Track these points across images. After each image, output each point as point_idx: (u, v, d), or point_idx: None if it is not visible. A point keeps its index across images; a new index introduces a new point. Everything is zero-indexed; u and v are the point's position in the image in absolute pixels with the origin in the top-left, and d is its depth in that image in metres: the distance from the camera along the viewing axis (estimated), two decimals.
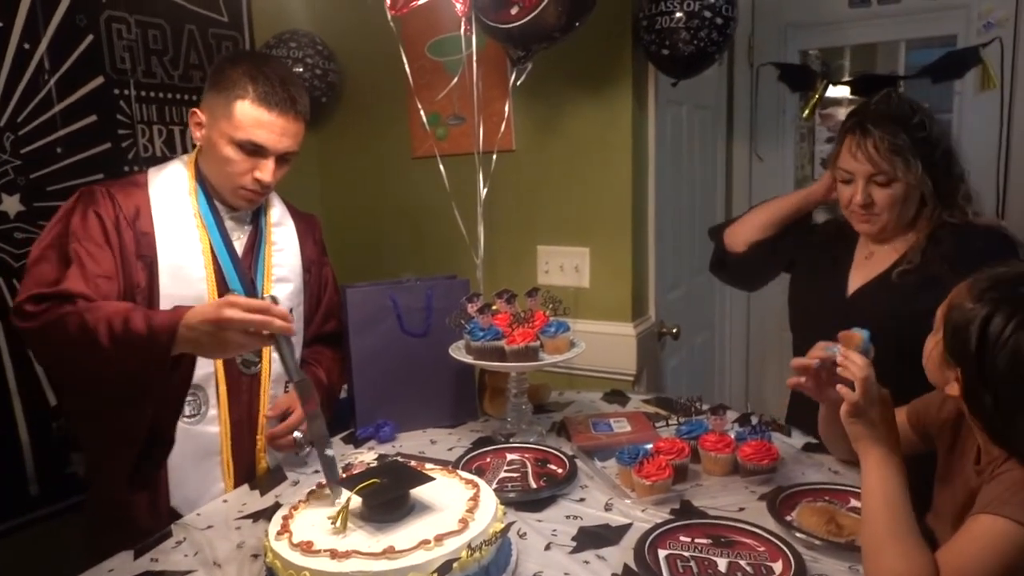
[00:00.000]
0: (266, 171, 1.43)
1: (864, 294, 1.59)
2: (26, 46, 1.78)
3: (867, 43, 3.07)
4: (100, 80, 1.95)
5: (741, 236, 1.86)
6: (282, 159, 1.46)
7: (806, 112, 2.90)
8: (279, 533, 1.07)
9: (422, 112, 2.13)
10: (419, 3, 1.80)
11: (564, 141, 2.22)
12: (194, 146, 1.52)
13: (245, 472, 1.53)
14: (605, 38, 2.09)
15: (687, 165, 2.69)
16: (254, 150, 1.41)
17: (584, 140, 2.19)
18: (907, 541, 0.98)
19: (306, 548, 1.02)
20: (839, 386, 1.10)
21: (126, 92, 2.01)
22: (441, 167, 2.03)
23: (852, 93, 2.93)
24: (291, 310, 1.55)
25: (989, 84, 2.55)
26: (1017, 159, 2.66)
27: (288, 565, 1.00)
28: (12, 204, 1.78)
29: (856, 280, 1.63)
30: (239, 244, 1.52)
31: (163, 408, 1.33)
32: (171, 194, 1.46)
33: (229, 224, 1.51)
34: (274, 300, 1.23)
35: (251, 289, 1.50)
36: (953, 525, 1.04)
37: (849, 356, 1.12)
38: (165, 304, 1.38)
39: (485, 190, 1.97)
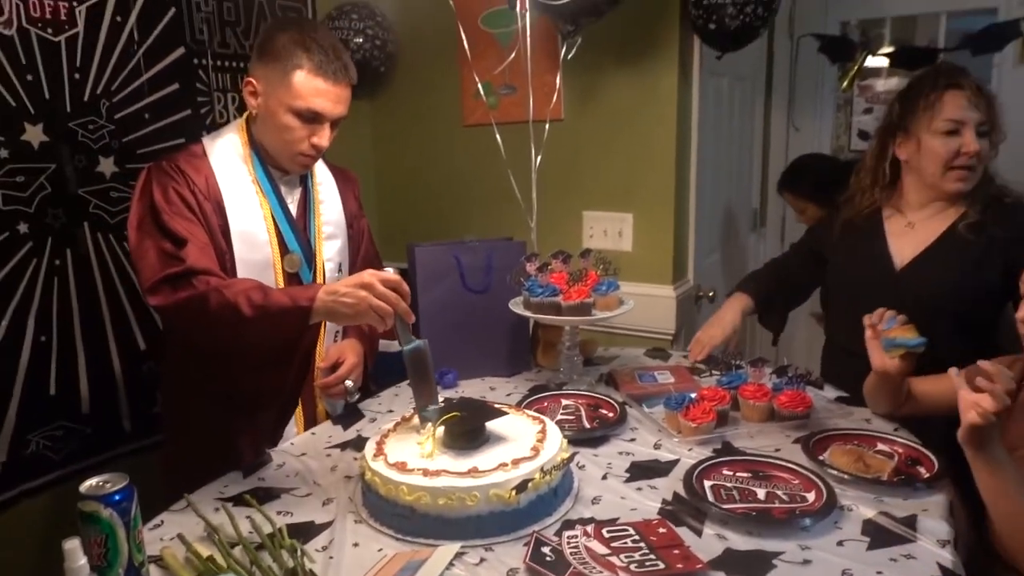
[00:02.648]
0: (323, 137, 1.51)
1: (918, 265, 1.65)
2: (118, 19, 1.92)
3: (908, 15, 3.11)
4: (181, 51, 2.09)
5: None
6: (334, 123, 1.54)
7: (845, 83, 2.97)
8: (375, 455, 1.24)
9: (479, 82, 2.25)
10: None
11: (610, 111, 2.32)
12: (239, 113, 1.60)
13: (311, 416, 1.68)
14: (653, 12, 2.18)
15: (726, 135, 2.78)
16: (312, 117, 1.48)
17: (630, 110, 2.29)
18: None
19: (401, 467, 1.18)
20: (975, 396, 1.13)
21: (204, 62, 2.15)
22: (498, 135, 2.16)
23: (892, 65, 3.00)
24: (339, 266, 1.69)
25: None
26: None
27: (387, 481, 1.17)
28: (108, 165, 1.94)
29: (904, 252, 1.69)
30: (292, 206, 1.62)
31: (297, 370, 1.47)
32: (230, 162, 1.54)
33: (283, 188, 1.60)
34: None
35: (307, 249, 1.62)
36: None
37: (996, 376, 1.12)
38: (242, 270, 1.49)
39: (539, 158, 2.09)
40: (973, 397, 1.12)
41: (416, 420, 1.36)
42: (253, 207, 1.54)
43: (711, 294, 2.52)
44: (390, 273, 1.30)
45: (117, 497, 0.97)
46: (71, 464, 1.91)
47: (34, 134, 1.78)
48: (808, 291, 2.03)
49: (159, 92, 2.04)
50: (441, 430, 1.26)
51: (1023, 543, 1.15)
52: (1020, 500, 1.14)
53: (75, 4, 1.82)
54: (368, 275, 1.29)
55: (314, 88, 1.46)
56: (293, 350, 1.34)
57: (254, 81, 1.50)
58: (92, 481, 0.98)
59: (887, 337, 1.41)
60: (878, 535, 1.13)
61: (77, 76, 1.85)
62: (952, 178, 1.61)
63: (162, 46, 2.04)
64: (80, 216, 1.89)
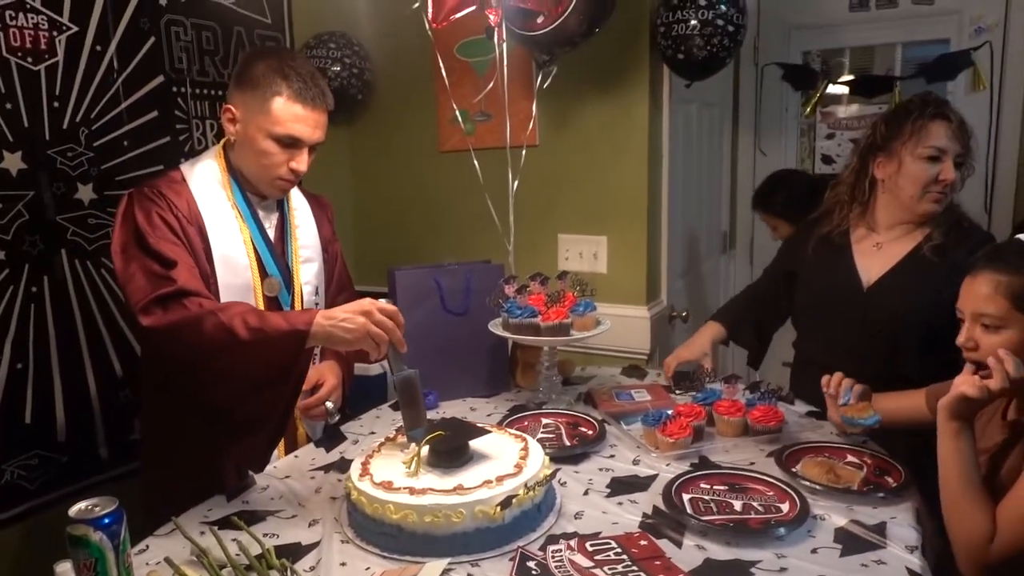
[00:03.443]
0: (302, 161, 1.54)
1: (883, 284, 1.73)
2: (98, 48, 1.95)
3: (866, 45, 3.24)
4: (160, 79, 2.11)
5: None
6: (311, 148, 1.57)
7: (808, 109, 3.09)
8: (361, 475, 1.25)
9: (456, 109, 2.30)
10: (457, 16, 1.96)
11: (584, 137, 2.39)
12: (218, 140, 1.62)
13: (291, 439, 1.69)
14: (624, 43, 2.26)
15: (695, 159, 2.87)
16: (291, 143, 1.50)
17: (603, 136, 2.36)
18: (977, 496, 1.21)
19: (387, 486, 1.20)
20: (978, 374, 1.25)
21: (183, 90, 2.18)
22: (475, 161, 2.21)
23: (851, 93, 3.12)
24: (316, 289, 1.71)
25: (979, 86, 2.73)
26: (1005, 156, 2.85)
27: (374, 500, 1.18)
28: (86, 192, 1.95)
29: (870, 272, 1.76)
30: (270, 231, 1.64)
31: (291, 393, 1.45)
32: (209, 188, 1.55)
33: (261, 213, 1.62)
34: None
35: (286, 272, 1.64)
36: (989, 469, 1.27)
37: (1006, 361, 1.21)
38: (224, 294, 1.51)
39: (516, 183, 2.14)
40: (973, 378, 1.22)
41: (400, 439, 1.38)
42: (233, 232, 1.56)
43: (684, 314, 2.58)
44: (386, 303, 1.35)
45: (107, 520, 0.97)
46: (46, 493, 1.89)
47: (12, 161, 1.79)
48: (785, 310, 2.06)
49: (138, 120, 2.06)
50: (426, 449, 1.28)
51: (959, 527, 1.23)
52: (967, 483, 1.22)
53: (55, 34, 1.84)
54: (367, 303, 1.33)
55: (293, 114, 1.49)
56: (288, 373, 1.34)
57: (233, 108, 1.52)
58: (82, 504, 0.99)
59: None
60: (850, 542, 1.17)
61: (56, 104, 1.86)
62: (928, 200, 1.69)
63: (141, 74, 2.06)
64: (57, 243, 1.89)
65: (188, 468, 1.51)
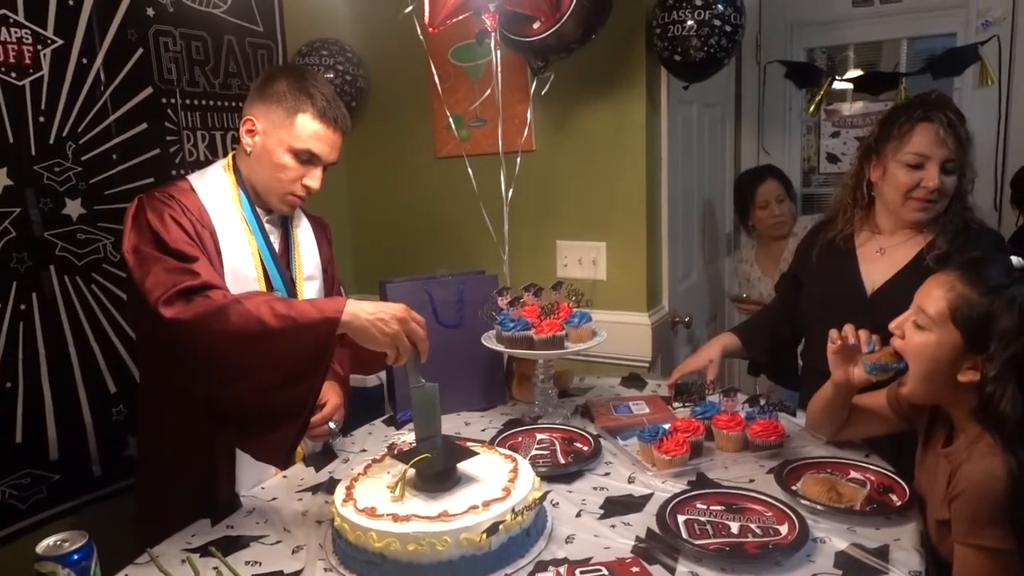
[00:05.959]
0: (316, 179, 1.55)
1: (888, 290, 1.66)
2: (84, 61, 1.92)
3: (870, 41, 3.18)
4: (149, 91, 2.08)
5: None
6: (324, 168, 1.58)
7: (812, 108, 3.02)
8: (344, 500, 1.22)
9: (449, 115, 2.27)
10: (454, 21, 1.92)
11: (581, 142, 2.35)
12: (226, 153, 1.60)
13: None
14: (620, 46, 2.21)
15: (697, 161, 2.81)
16: (308, 159, 1.52)
17: (600, 141, 2.31)
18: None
19: (370, 513, 1.17)
20: None
21: (173, 101, 2.15)
22: (469, 168, 2.17)
23: (856, 90, 3.06)
24: None
25: (987, 80, 2.67)
26: (1014, 153, 2.78)
27: (356, 527, 1.15)
28: (75, 207, 1.92)
29: (874, 277, 1.70)
30: (276, 245, 1.63)
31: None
32: (220, 198, 1.55)
33: (267, 227, 1.62)
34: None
35: (291, 288, 1.62)
36: (929, 499, 1.24)
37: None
38: None
39: (511, 190, 2.10)
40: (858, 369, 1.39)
41: (387, 461, 1.34)
42: (242, 244, 1.55)
43: (687, 319, 2.53)
44: (417, 315, 1.37)
45: (76, 556, 0.95)
46: (38, 512, 1.87)
47: None
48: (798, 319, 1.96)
49: (127, 132, 2.03)
50: (412, 472, 1.25)
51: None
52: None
53: (40, 48, 1.82)
54: (403, 308, 1.34)
55: (315, 132, 1.51)
56: (319, 363, 1.29)
57: (253, 119, 1.53)
58: (49, 541, 0.96)
59: (873, 361, 1.40)
60: (851, 568, 1.13)
61: (42, 119, 1.84)
62: (910, 207, 1.64)
63: (130, 86, 2.03)
64: (46, 259, 1.87)
65: (185, 485, 1.49)
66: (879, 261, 1.72)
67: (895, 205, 1.66)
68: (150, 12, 2.06)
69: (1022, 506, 1.06)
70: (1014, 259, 1.19)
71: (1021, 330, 1.12)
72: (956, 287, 1.20)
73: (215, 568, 1.16)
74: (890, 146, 1.64)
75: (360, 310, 1.31)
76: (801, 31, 3.18)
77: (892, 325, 1.32)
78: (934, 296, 1.23)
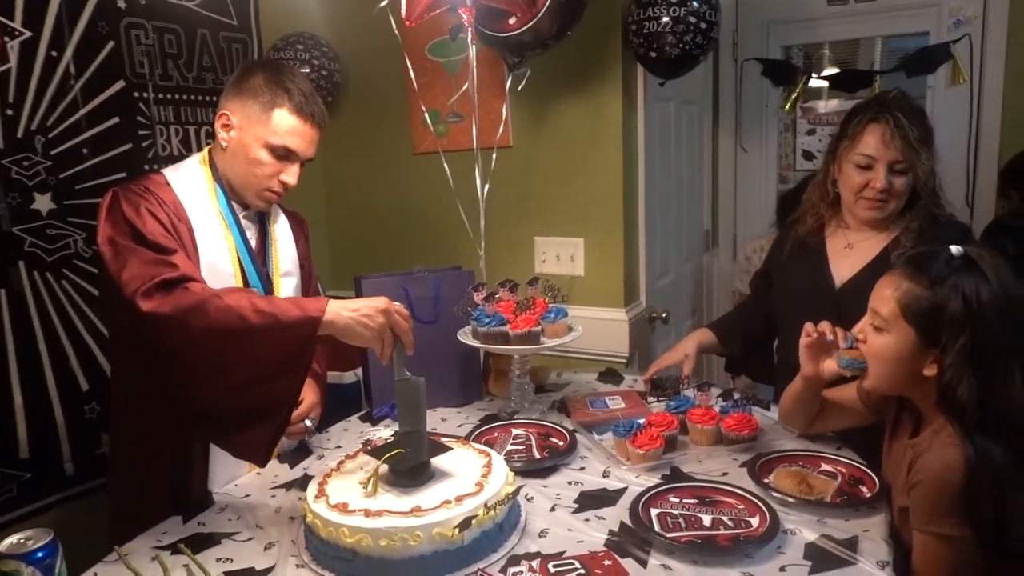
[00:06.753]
0: (292, 175, 1.53)
1: (855, 284, 1.67)
2: (53, 54, 1.89)
3: (846, 39, 3.21)
4: (121, 84, 2.06)
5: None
6: (302, 164, 1.56)
7: (788, 105, 3.03)
8: (317, 496, 1.21)
9: (425, 110, 2.26)
10: (431, 15, 1.91)
11: (558, 138, 2.35)
12: (200, 147, 1.58)
13: None
14: (596, 42, 2.22)
15: (675, 157, 2.83)
16: (285, 155, 1.50)
17: (577, 137, 2.32)
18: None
19: (342, 508, 1.16)
20: None
21: (145, 95, 2.12)
22: (445, 164, 2.16)
23: (832, 88, 3.08)
24: None
25: (959, 79, 2.69)
26: (986, 149, 2.82)
27: (328, 523, 1.14)
28: (44, 202, 1.89)
29: (842, 271, 1.72)
30: (252, 242, 1.61)
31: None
32: (196, 193, 1.52)
33: (244, 222, 1.60)
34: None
35: (267, 284, 1.60)
36: (894, 487, 1.26)
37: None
38: None
39: (487, 186, 2.10)
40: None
41: (360, 458, 1.34)
42: (219, 239, 1.52)
43: (664, 315, 2.54)
44: (400, 305, 1.35)
45: (40, 554, 0.94)
46: (9, 512, 1.84)
47: None
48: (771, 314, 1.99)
49: (98, 126, 2.01)
50: (385, 468, 1.24)
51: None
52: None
53: (7, 40, 1.79)
54: (385, 301, 1.32)
55: (291, 127, 1.49)
56: (299, 362, 1.28)
57: (229, 113, 1.50)
58: (13, 539, 0.94)
59: (848, 357, 1.40)
60: (820, 559, 1.14)
61: (10, 112, 1.81)
62: (862, 207, 1.66)
63: (101, 80, 2.01)
64: (15, 255, 1.84)
65: (158, 483, 1.47)
66: (847, 256, 1.74)
67: (849, 204, 1.69)
68: (121, 5, 2.03)
69: (978, 496, 1.08)
70: (953, 248, 1.20)
71: (967, 316, 1.13)
72: (902, 284, 1.22)
73: (185, 566, 1.15)
74: (844, 145, 1.67)
75: (342, 308, 1.30)
76: (778, 29, 3.20)
77: (855, 330, 1.33)
78: (884, 296, 1.24)
